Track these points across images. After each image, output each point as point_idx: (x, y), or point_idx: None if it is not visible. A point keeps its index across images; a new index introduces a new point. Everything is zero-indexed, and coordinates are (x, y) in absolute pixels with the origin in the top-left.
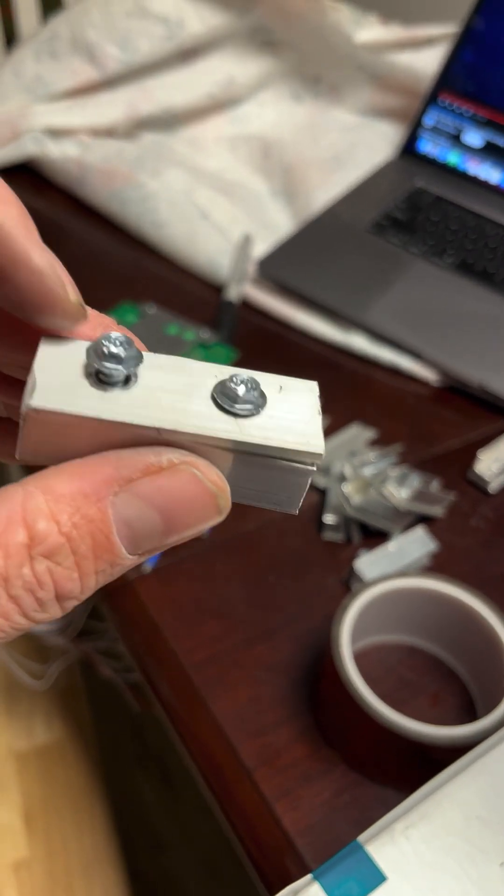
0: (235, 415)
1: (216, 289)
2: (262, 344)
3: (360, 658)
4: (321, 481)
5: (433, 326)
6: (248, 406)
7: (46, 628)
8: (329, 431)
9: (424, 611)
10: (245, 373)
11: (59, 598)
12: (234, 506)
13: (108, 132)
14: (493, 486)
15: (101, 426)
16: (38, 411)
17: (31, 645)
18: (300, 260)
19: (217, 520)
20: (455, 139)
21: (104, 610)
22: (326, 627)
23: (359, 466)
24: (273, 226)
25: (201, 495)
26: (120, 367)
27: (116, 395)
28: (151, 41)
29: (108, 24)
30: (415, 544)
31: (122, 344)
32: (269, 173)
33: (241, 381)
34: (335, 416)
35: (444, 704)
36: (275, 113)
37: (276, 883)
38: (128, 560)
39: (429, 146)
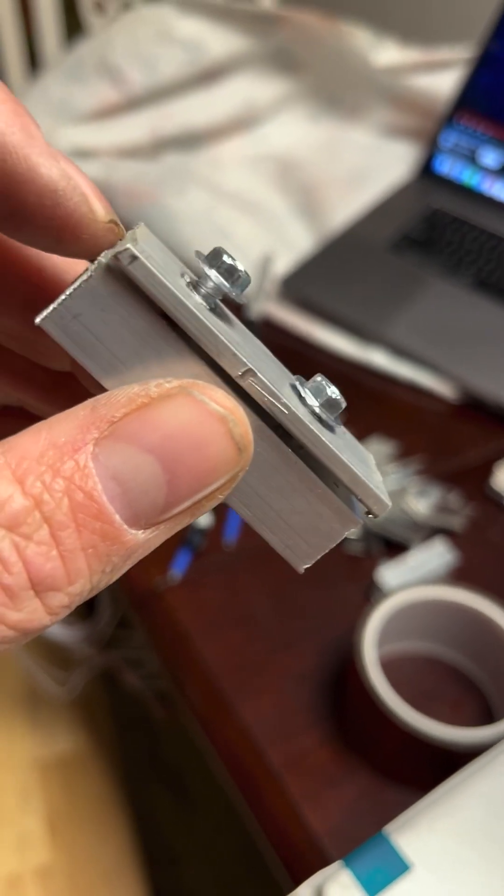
0: (313, 413)
1: (237, 306)
2: (283, 360)
3: (381, 666)
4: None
5: (451, 343)
6: (328, 414)
7: (73, 636)
8: None
9: (444, 620)
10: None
11: (38, 587)
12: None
13: (132, 153)
14: None
15: (172, 339)
16: (136, 263)
17: (56, 654)
18: (322, 278)
19: (237, 462)
20: (471, 160)
21: (134, 619)
22: (349, 636)
23: None
24: (292, 244)
25: (207, 421)
26: (230, 285)
27: (210, 315)
28: (174, 65)
29: (132, 48)
30: (434, 556)
31: (241, 271)
32: (288, 193)
33: (331, 386)
34: (355, 430)
35: (464, 712)
36: (294, 133)
37: (304, 878)
38: (129, 535)
39: (446, 166)
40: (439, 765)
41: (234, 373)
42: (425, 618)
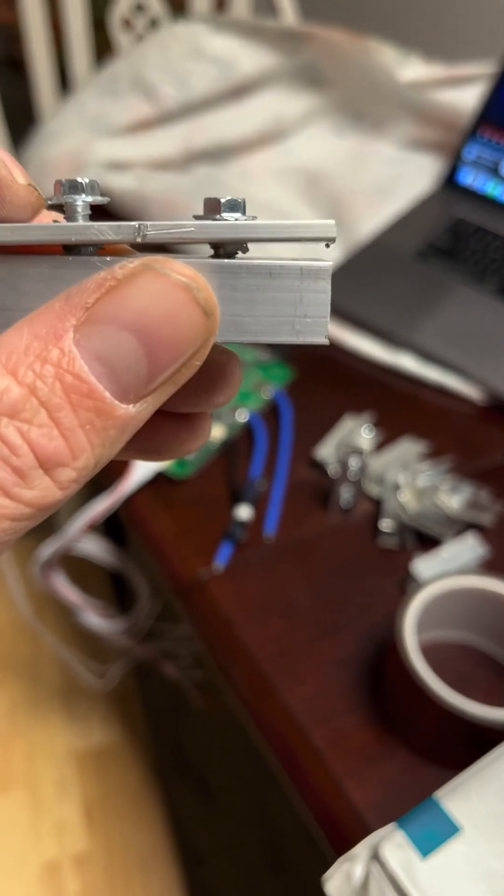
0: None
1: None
2: (316, 364)
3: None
4: (375, 490)
5: (477, 347)
6: (237, 214)
7: (113, 629)
8: (382, 445)
9: (479, 609)
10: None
11: (45, 465)
12: (291, 511)
13: (164, 165)
14: None
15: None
16: None
17: (94, 646)
18: (351, 286)
19: (206, 326)
20: (494, 171)
21: (179, 607)
22: (386, 625)
23: (412, 477)
24: (322, 254)
25: (172, 292)
26: (91, 197)
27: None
28: (206, 81)
29: (165, 65)
30: (466, 549)
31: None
32: (316, 204)
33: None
34: (387, 430)
35: (497, 696)
36: (321, 147)
37: (347, 849)
38: (120, 409)
39: (469, 178)
40: (476, 743)
41: (136, 239)
42: (460, 606)
